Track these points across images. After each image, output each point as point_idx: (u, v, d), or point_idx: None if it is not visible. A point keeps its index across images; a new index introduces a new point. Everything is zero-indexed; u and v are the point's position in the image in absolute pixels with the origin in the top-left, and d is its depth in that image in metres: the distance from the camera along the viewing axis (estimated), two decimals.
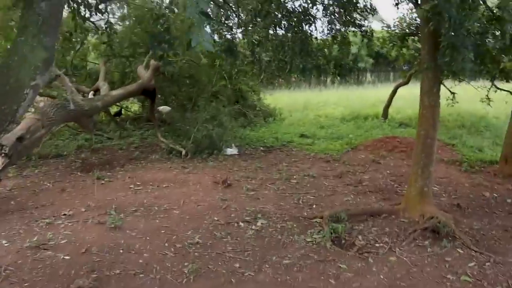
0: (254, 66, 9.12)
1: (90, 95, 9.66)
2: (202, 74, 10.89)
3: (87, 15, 4.15)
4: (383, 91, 18.39)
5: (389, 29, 11.63)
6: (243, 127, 11.80)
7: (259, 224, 4.94)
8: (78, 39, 10.86)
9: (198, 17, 2.00)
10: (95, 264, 3.93)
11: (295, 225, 4.89)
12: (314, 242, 4.38)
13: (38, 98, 11.20)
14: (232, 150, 9.22)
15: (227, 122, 9.58)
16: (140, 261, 4.02)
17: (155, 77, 10.52)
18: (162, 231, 4.78)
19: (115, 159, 9.11)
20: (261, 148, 9.88)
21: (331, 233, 4.42)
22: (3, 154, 6.29)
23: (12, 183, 7.33)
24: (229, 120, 9.85)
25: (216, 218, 5.16)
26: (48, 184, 7.17)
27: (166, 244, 4.41)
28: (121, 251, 4.25)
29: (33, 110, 7.91)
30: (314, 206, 5.62)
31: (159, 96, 12.00)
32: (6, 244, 4.57)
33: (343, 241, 4.40)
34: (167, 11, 4.50)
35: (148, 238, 4.58)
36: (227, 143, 9.23)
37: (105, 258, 4.07)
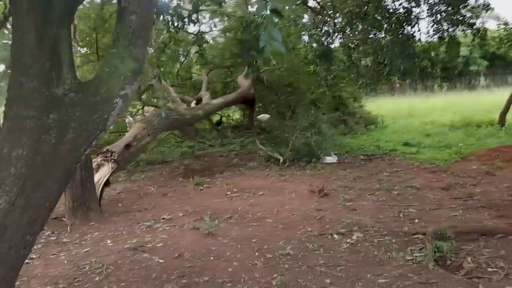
0: (351, 71, 8.77)
1: (193, 105, 10.12)
2: (301, 82, 10.80)
3: (180, 26, 4.30)
4: (499, 96, 16.51)
5: (506, 27, 10.39)
6: (343, 134, 11.43)
7: (354, 237, 4.63)
8: (180, 51, 11.48)
9: (269, 15, 1.87)
10: (186, 270, 3.98)
11: (394, 241, 4.48)
12: (414, 261, 3.95)
13: (145, 108, 12.10)
14: (331, 159, 8.94)
15: (326, 130, 9.33)
16: (229, 269, 3.98)
17: (255, 86, 10.70)
18: (254, 240, 4.71)
19: (215, 166, 9.40)
20: (361, 156, 9.43)
21: (435, 252, 3.93)
22: (112, 160, 6.82)
23: (121, 186, 7.92)
24: (328, 127, 9.59)
25: (309, 229, 4.96)
26: (152, 189, 7.60)
27: (257, 254, 4.32)
28: (211, 258, 4.26)
29: (136, 119, 8.49)
30: (416, 220, 5.12)
31: (259, 104, 12.19)
32: (110, 244, 4.89)
33: (448, 262, 3.90)
34: (255, 17, 4.46)
35: (239, 246, 4.54)
36: (325, 151, 8.98)
37: (196, 264, 4.11)
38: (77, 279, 3.96)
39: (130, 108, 11.99)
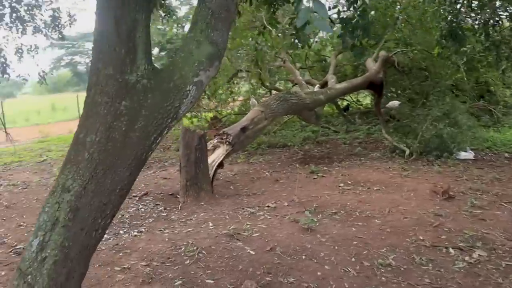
0: (490, 54, 7.36)
1: (316, 88, 9.75)
2: (438, 66, 9.55)
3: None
4: None
5: None
6: (486, 127, 9.87)
7: (475, 255, 3.85)
8: (313, 33, 11.10)
9: None
10: (273, 266, 3.76)
11: None
12: None
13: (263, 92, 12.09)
14: (466, 154, 7.76)
15: (463, 121, 8.11)
16: (318, 273, 3.64)
17: (385, 70, 9.86)
18: (354, 242, 4.26)
19: (335, 153, 8.95)
20: (506, 154, 7.98)
21: None
22: (227, 142, 6.92)
23: (238, 168, 8.03)
24: (466, 118, 8.33)
25: (421, 237, 4.30)
26: (267, 173, 7.53)
27: (353, 259, 3.89)
28: (303, 256, 3.96)
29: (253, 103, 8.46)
30: None
31: (391, 89, 11.25)
32: (211, 227, 4.93)
33: None
34: None
35: (336, 247, 4.15)
36: (461, 145, 7.82)
37: (285, 262, 3.86)
38: (170, 259, 4.04)
39: (260, 90, 12.15)
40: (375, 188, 6.18)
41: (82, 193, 2.38)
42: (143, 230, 5.03)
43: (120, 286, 3.62)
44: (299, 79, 10.11)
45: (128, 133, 2.41)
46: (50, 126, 16.09)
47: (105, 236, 4.82)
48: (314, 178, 6.94)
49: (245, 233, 4.59)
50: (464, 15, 5.86)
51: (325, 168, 7.64)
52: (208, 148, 6.98)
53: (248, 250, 4.14)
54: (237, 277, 3.61)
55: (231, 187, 6.77)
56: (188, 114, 11.37)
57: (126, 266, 3.96)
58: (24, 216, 5.80)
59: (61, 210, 2.31)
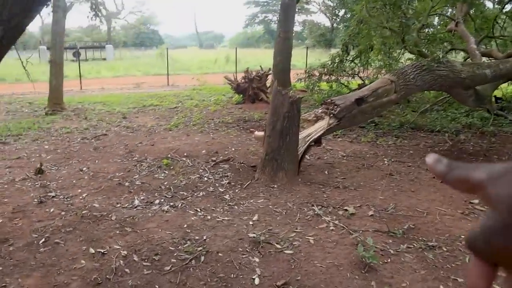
0: None
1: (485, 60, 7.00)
2: None
3: None
4: None
5: None
6: None
7: None
8: None
9: None
10: None
11: None
12: None
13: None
14: None
15: None
16: None
17: None
18: None
19: (499, 152, 6.32)
20: None
21: None
22: (331, 115, 5.30)
23: (354, 148, 6.29)
24: None
25: None
26: (384, 162, 5.64)
27: None
28: None
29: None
30: None
31: None
32: (248, 224, 3.62)
33: None
34: None
35: None
36: None
37: None
38: (154, 258, 2.95)
39: (403, 60, 9.62)
40: None
41: None
42: (178, 205, 4.03)
43: (68, 275, 2.71)
44: (473, 48, 7.44)
45: None
46: (210, 76, 16.51)
47: (136, 201, 4.02)
48: (441, 182, 4.80)
49: (277, 245, 3.16)
50: None
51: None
52: (309, 118, 5.52)
53: (255, 277, 2.74)
54: None
55: (326, 172, 5.20)
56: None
57: (101, 251, 3.04)
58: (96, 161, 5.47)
59: None
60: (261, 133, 5.72)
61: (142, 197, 4.25)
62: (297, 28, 42.65)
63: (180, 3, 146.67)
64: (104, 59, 29.70)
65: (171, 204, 4.06)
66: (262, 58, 19.71)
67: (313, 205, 4.01)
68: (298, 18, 42.71)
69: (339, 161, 5.69)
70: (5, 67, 20.56)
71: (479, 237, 0.35)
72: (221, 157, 5.68)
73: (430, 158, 0.41)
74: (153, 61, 25.92)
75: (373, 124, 7.58)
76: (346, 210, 3.90)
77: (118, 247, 3.15)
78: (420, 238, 3.31)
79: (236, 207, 4.01)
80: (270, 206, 4.00)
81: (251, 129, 6.05)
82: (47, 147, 6.51)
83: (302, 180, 4.83)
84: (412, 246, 3.18)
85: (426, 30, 8.72)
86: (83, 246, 3.18)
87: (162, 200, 4.16)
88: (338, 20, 33.81)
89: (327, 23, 40.31)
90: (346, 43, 9.50)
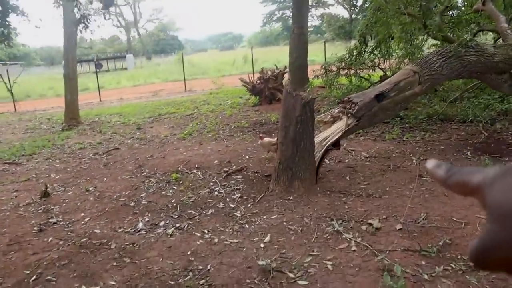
0: None
1: None
2: None
3: None
4: None
5: None
6: None
7: None
8: None
9: None
10: None
11: None
12: None
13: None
14: None
15: None
16: None
17: None
18: None
19: None
20: None
21: None
22: (349, 114, 4.82)
23: (379, 147, 5.77)
24: None
25: None
26: (413, 162, 5.10)
27: None
28: None
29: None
30: None
31: None
32: (259, 247, 3.21)
33: None
34: None
35: None
36: None
37: None
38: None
39: (426, 47, 8.91)
40: None
41: None
42: (184, 227, 3.67)
43: None
44: (504, 28, 6.75)
45: None
46: (228, 78, 16.13)
47: (140, 224, 3.68)
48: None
49: (290, 274, 2.73)
50: None
51: (507, 160, 4.75)
52: (326, 119, 5.06)
53: None
54: None
55: (347, 177, 4.72)
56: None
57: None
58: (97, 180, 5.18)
59: None
60: (268, 140, 5.31)
61: (147, 219, 3.91)
62: (315, 22, 41.95)
63: (197, 7, 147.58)
64: (125, 68, 29.91)
65: (177, 225, 3.70)
66: (281, 56, 19.23)
67: (332, 220, 3.56)
68: (316, 12, 41.92)
69: (361, 164, 5.20)
70: (29, 84, 20.91)
71: (480, 249, 0.33)
72: (234, 167, 5.29)
73: (430, 163, 0.41)
74: (172, 67, 25.84)
75: (398, 118, 7.01)
76: (370, 224, 3.43)
77: (113, 283, 2.81)
78: (459, 257, 2.80)
79: (247, 225, 3.61)
80: (285, 223, 3.58)
81: (260, 135, 5.62)
82: (57, 165, 6.30)
83: (320, 189, 4.38)
84: (449, 267, 2.69)
85: (450, 12, 8.05)
86: (76, 284, 2.86)
87: (167, 222, 3.81)
88: (356, 10, 32.87)
89: (346, 15, 39.34)
90: (364, 33, 8.92)
